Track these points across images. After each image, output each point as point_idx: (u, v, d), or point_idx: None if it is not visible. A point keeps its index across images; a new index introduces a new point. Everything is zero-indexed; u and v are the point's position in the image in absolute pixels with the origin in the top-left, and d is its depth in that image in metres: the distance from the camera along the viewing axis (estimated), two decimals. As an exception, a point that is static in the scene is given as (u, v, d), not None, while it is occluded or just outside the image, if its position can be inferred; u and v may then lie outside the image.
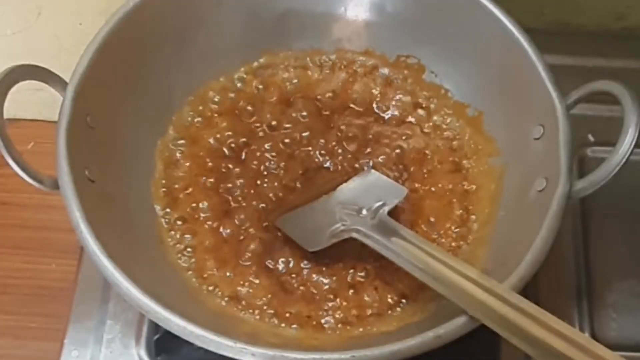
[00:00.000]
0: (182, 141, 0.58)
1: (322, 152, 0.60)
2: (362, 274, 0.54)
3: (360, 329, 0.51)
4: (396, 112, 0.61)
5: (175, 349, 0.55)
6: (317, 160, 0.59)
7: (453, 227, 0.56)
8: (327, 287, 0.53)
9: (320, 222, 0.54)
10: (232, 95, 0.61)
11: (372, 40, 0.62)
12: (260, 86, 0.62)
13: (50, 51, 0.68)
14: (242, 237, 0.55)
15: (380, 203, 0.52)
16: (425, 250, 0.46)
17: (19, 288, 0.68)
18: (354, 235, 0.51)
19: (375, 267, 0.54)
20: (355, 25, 0.62)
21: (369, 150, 0.60)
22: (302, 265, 0.54)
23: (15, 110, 0.71)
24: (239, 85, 0.62)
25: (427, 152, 0.60)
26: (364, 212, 0.52)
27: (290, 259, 0.55)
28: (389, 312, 0.52)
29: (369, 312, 0.52)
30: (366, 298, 0.53)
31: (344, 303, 0.53)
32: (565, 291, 0.58)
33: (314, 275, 0.54)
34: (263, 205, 0.57)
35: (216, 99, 0.61)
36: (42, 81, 0.50)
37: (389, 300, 0.53)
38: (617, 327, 0.57)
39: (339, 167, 0.59)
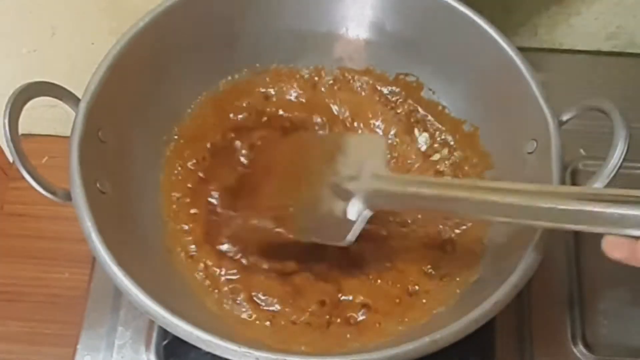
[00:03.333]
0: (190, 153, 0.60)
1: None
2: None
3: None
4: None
5: (184, 353, 0.56)
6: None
7: (446, 239, 0.57)
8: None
9: (331, 210, 0.52)
10: (241, 104, 0.63)
11: (373, 59, 0.64)
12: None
13: (63, 69, 0.69)
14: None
15: (369, 160, 0.51)
16: (437, 182, 0.48)
17: (34, 296, 0.69)
18: (371, 206, 0.49)
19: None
20: (356, 44, 0.64)
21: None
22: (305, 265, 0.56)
23: (30, 126, 0.72)
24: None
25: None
26: (363, 174, 0.51)
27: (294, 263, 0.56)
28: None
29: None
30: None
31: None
32: (558, 298, 0.59)
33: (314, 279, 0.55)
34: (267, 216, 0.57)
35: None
36: (55, 98, 0.51)
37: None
38: (608, 333, 0.58)
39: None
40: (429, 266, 0.56)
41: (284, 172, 0.58)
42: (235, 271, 0.55)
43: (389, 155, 0.56)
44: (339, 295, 0.54)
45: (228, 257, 0.56)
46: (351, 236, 0.50)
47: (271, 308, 0.53)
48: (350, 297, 0.54)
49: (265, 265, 0.56)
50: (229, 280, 0.55)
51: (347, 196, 0.51)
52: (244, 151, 0.61)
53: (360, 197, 0.50)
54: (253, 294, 0.54)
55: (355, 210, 0.50)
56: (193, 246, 0.56)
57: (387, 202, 0.49)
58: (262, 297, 0.54)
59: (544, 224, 0.41)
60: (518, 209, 0.41)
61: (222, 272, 0.55)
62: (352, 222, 0.50)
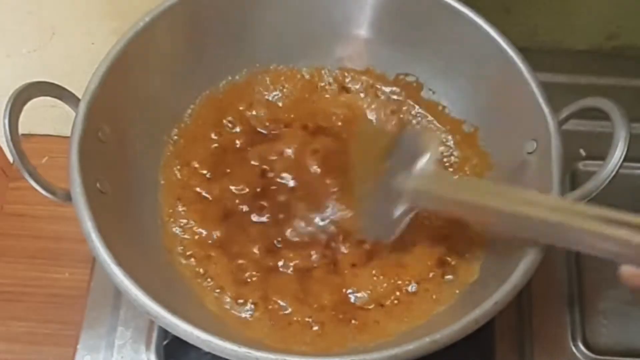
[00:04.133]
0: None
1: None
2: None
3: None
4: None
5: (184, 353, 0.56)
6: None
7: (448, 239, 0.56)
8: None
9: (381, 207, 0.53)
10: (240, 106, 0.63)
11: (373, 59, 0.64)
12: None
13: (64, 69, 0.69)
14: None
15: (423, 156, 0.51)
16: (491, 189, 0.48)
17: (34, 296, 0.69)
18: (417, 205, 0.51)
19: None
20: (356, 44, 0.64)
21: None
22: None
23: (30, 127, 0.72)
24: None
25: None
26: (413, 172, 0.51)
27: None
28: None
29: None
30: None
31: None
32: (558, 299, 0.59)
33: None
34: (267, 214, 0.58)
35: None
36: (55, 98, 0.51)
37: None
38: (608, 333, 0.58)
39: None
40: (432, 263, 0.56)
41: (338, 169, 0.59)
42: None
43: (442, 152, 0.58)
44: (343, 290, 0.54)
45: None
46: (396, 233, 0.52)
47: (271, 307, 0.53)
48: (355, 293, 0.54)
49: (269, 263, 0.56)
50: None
51: (396, 194, 0.51)
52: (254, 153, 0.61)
53: (409, 195, 0.51)
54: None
55: (403, 208, 0.51)
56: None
57: (435, 204, 0.51)
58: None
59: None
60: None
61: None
62: (398, 219, 0.51)
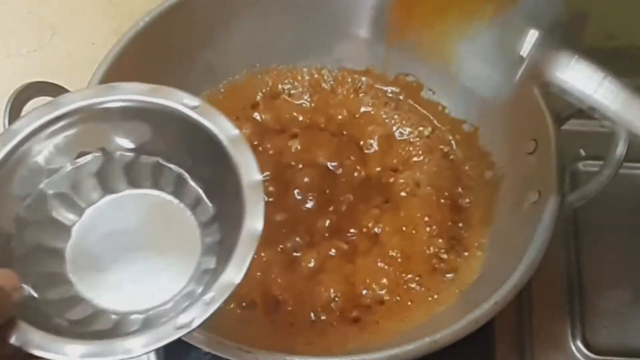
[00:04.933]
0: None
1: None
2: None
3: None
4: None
5: (184, 353, 0.56)
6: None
7: (448, 238, 0.57)
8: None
9: (507, 47, 0.43)
10: (240, 105, 0.63)
11: (373, 59, 0.64)
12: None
13: (64, 69, 0.69)
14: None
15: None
16: None
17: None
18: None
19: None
20: (356, 44, 0.64)
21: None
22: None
23: (29, 126, 0.72)
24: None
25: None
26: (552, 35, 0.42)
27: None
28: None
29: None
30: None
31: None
32: (558, 299, 0.59)
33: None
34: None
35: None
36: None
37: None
38: (608, 333, 0.58)
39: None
40: (434, 260, 0.56)
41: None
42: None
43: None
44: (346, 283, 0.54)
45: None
46: (508, 92, 0.44)
47: (272, 306, 0.53)
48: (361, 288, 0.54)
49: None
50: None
51: (515, 54, 0.42)
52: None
53: (535, 68, 0.42)
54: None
55: (522, 73, 0.42)
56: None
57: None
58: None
59: None
60: None
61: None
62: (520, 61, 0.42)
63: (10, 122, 0.47)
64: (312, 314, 0.53)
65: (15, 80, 0.49)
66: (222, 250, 0.40)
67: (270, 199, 0.58)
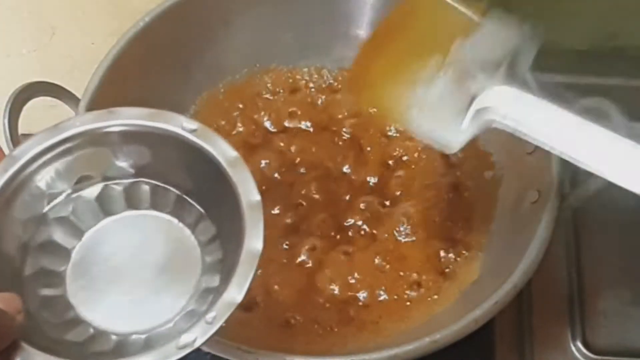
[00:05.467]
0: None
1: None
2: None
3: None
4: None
5: (183, 353, 0.56)
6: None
7: (448, 238, 0.57)
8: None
9: (455, 99, 0.43)
10: (240, 105, 0.63)
11: (373, 59, 0.64)
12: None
13: (63, 69, 0.69)
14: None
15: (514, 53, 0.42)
16: None
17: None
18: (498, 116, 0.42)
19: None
20: (357, 44, 0.63)
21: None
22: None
23: (29, 126, 0.72)
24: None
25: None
26: (501, 70, 0.42)
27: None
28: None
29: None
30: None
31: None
32: (558, 299, 0.59)
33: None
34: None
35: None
36: (55, 98, 0.51)
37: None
38: (608, 333, 0.58)
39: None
40: (434, 259, 0.56)
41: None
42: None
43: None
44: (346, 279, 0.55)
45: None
46: (462, 142, 0.43)
47: (272, 305, 0.53)
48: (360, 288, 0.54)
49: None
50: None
51: (467, 95, 0.42)
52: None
53: (488, 99, 0.41)
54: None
55: (474, 120, 0.42)
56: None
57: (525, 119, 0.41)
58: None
59: None
60: None
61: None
62: (466, 128, 0.42)
63: (10, 122, 0.47)
64: (312, 314, 0.53)
65: (15, 80, 0.50)
66: (225, 268, 0.40)
67: (270, 198, 0.58)
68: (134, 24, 0.55)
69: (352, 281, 0.54)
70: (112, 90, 0.53)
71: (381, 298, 0.54)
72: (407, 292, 0.54)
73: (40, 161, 0.41)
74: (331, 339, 0.52)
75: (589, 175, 0.49)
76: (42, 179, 0.41)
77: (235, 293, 0.36)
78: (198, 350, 0.43)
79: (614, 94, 0.50)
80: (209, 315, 0.36)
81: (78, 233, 0.42)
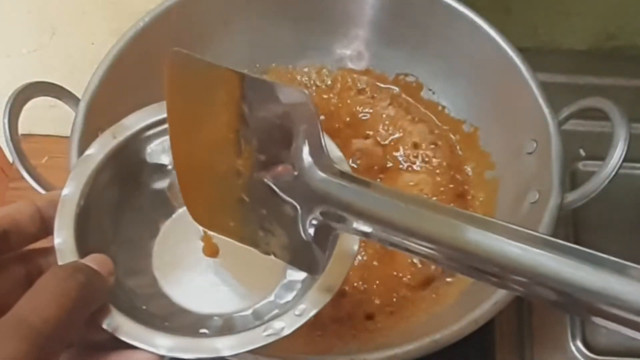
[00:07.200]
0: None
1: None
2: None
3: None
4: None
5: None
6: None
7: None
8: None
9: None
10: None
11: (373, 59, 0.64)
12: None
13: (63, 69, 0.69)
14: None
15: (301, 141, 0.33)
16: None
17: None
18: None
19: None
20: (356, 44, 0.64)
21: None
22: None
23: (29, 126, 0.72)
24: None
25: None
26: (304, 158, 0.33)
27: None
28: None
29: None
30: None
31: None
32: (558, 299, 0.59)
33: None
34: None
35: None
36: (55, 97, 0.51)
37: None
38: (607, 334, 0.57)
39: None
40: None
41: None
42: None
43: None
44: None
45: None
46: (322, 267, 0.35)
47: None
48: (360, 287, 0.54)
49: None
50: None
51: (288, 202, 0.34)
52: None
53: (306, 207, 0.33)
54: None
55: (310, 226, 0.33)
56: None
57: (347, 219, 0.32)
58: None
59: None
60: None
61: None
62: (315, 243, 0.34)
63: (10, 122, 0.47)
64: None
65: (15, 80, 0.49)
66: None
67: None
68: (134, 24, 0.55)
69: (352, 282, 0.54)
70: (112, 90, 0.53)
71: (381, 298, 0.54)
72: (407, 292, 0.54)
73: (149, 133, 0.41)
74: (331, 339, 0.52)
75: (589, 175, 0.50)
76: (147, 150, 0.42)
77: (328, 287, 0.35)
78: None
79: (614, 94, 0.50)
80: (299, 307, 0.35)
81: (170, 209, 0.42)
